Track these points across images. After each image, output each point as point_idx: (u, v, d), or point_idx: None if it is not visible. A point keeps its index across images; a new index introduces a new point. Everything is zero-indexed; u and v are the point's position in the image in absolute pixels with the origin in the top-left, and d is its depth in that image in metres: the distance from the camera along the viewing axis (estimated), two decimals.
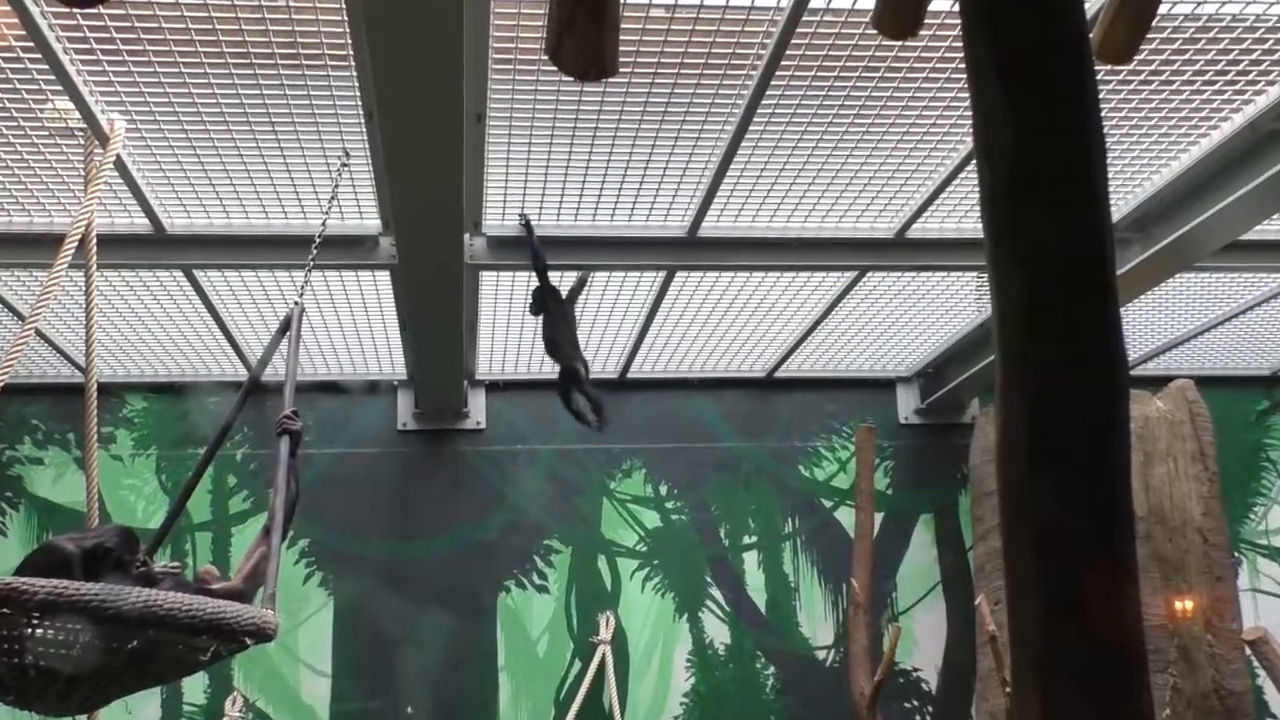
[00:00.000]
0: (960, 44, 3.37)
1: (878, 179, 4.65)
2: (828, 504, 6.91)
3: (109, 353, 6.07)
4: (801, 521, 6.90)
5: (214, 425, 4.17)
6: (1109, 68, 3.57)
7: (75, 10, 3.45)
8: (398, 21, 3.13)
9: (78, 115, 3.91)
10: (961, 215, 4.96)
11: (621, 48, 2.02)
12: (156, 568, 3.31)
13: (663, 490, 6.85)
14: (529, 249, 4.78)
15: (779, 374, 6.88)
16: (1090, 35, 1.74)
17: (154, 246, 4.81)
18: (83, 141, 4.06)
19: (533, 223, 4.75)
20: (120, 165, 4.18)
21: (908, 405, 7.04)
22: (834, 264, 5.29)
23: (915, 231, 5.01)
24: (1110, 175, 1.68)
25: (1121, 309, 1.70)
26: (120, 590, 2.81)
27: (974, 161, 4.26)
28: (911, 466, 7.01)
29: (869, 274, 5.49)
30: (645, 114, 4.10)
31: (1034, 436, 1.59)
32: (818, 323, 6.10)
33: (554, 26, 1.93)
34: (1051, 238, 1.59)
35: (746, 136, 4.20)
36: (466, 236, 4.70)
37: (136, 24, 3.56)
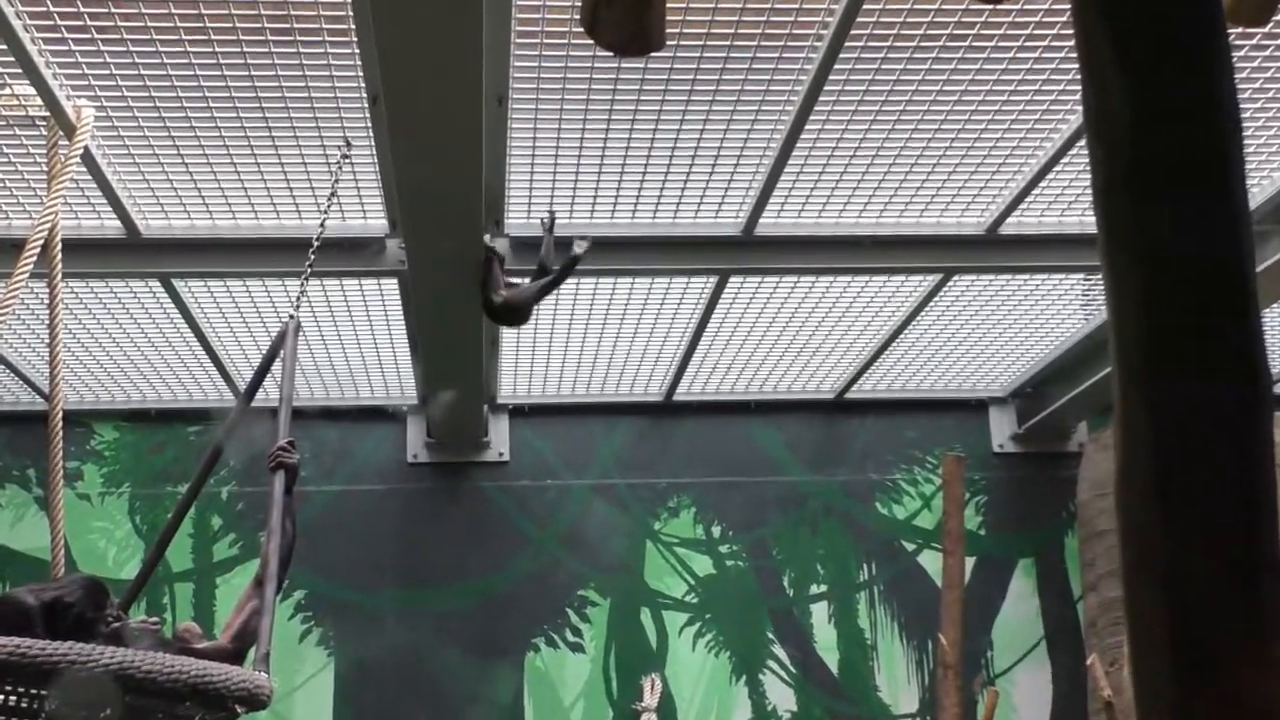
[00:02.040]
0: (1064, 6, 3.36)
1: (965, 166, 4.63)
2: (909, 547, 6.88)
3: (76, 376, 6.14)
4: (879, 568, 6.86)
5: (197, 459, 4.20)
6: (1241, 31, 3.54)
7: None
8: None
9: (39, 102, 3.96)
10: (1065, 207, 4.94)
11: (667, 17, 2.03)
12: (131, 624, 3.32)
13: (716, 531, 6.83)
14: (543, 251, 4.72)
15: (851, 395, 6.85)
16: None
17: (127, 252, 4.87)
18: (45, 132, 4.10)
19: (558, 221, 4.72)
20: (88, 159, 4.23)
21: (1003, 430, 7.00)
22: (914, 266, 5.28)
23: (1010, 227, 4.99)
24: (1246, 158, 1.67)
25: (1263, 314, 1.68)
26: (92, 649, 2.83)
27: (1081, 145, 4.28)
28: (1008, 503, 6.96)
29: (955, 277, 5.47)
30: (693, 94, 4.11)
31: (1159, 467, 1.57)
32: (895, 335, 6.08)
33: None
34: (1178, 233, 1.57)
35: (811, 119, 4.20)
36: (487, 237, 4.73)
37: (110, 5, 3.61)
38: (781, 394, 6.86)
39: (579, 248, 4.65)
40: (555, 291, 4.83)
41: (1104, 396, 6.10)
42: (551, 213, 4.71)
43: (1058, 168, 4.60)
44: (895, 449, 6.99)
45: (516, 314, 4.77)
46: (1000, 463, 6.99)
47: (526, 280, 4.77)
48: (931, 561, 6.68)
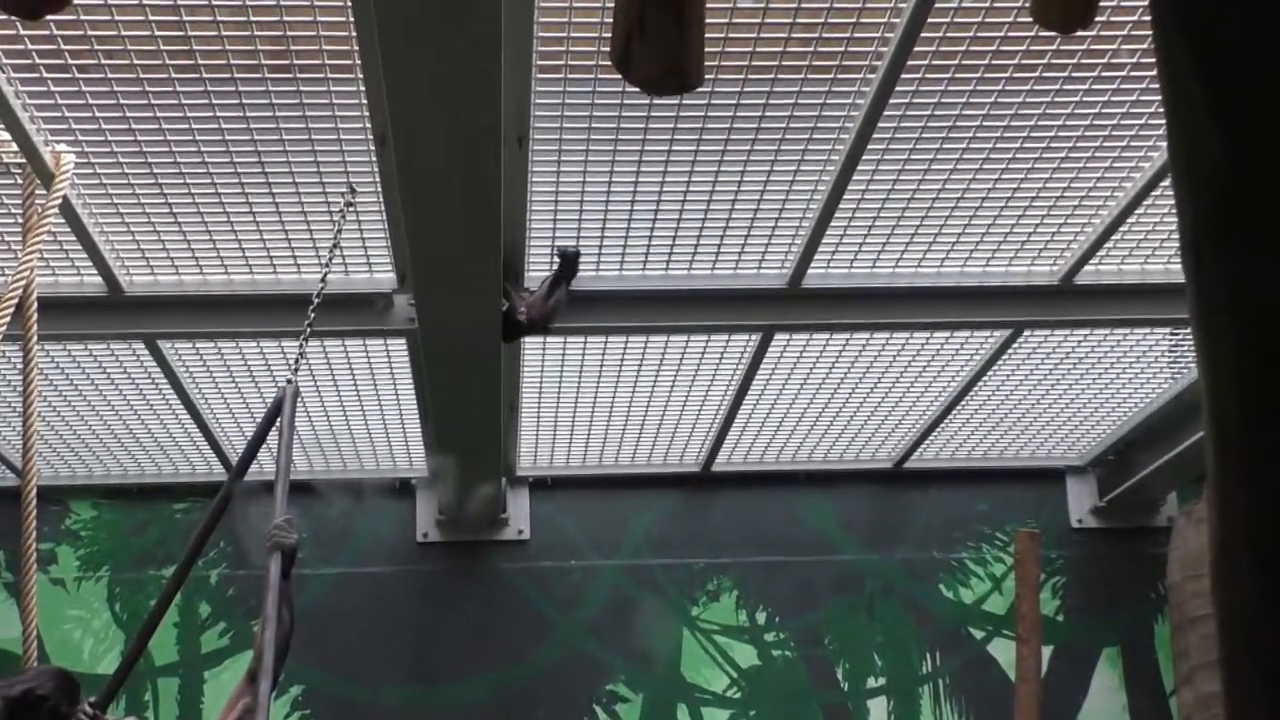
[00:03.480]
0: (1144, 32, 3.36)
1: (1036, 208, 4.63)
2: (979, 635, 6.83)
3: (50, 448, 6.17)
4: (944, 658, 6.81)
5: (184, 539, 4.21)
6: None
7: (16, 20, 3.55)
8: (417, 23, 3.18)
9: (14, 148, 4.00)
10: (1149, 253, 4.93)
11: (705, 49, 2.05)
12: None
13: (761, 618, 6.80)
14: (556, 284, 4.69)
15: (911, 464, 6.84)
16: None
17: (109, 311, 4.90)
18: (21, 180, 4.16)
19: (579, 270, 4.71)
20: (67, 209, 4.26)
21: (1082, 503, 6.97)
22: (980, 320, 5.27)
23: (1087, 275, 4.99)
24: None
25: None
26: None
27: (1167, 183, 4.28)
28: (1090, 584, 6.91)
29: (1027, 332, 5.46)
30: (733, 132, 4.13)
31: (1261, 544, 1.56)
32: (960, 397, 6.06)
33: (621, 26, 1.95)
34: (1277, 283, 1.57)
35: (864, 157, 4.21)
36: None
37: (90, 34, 3.65)
38: (833, 463, 6.84)
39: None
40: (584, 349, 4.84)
41: (1196, 464, 6.05)
42: (572, 249, 4.66)
43: (1140, 209, 4.58)
44: (961, 524, 6.96)
45: (543, 328, 4.79)
46: (1080, 539, 6.95)
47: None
48: (1003, 651, 6.63)
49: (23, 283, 4.06)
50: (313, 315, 4.08)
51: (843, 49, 3.80)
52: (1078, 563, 6.93)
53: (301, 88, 3.85)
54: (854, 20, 3.70)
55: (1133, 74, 3.95)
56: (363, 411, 6.00)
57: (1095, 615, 6.88)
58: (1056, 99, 4.08)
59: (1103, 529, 6.95)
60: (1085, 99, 4.08)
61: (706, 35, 2.13)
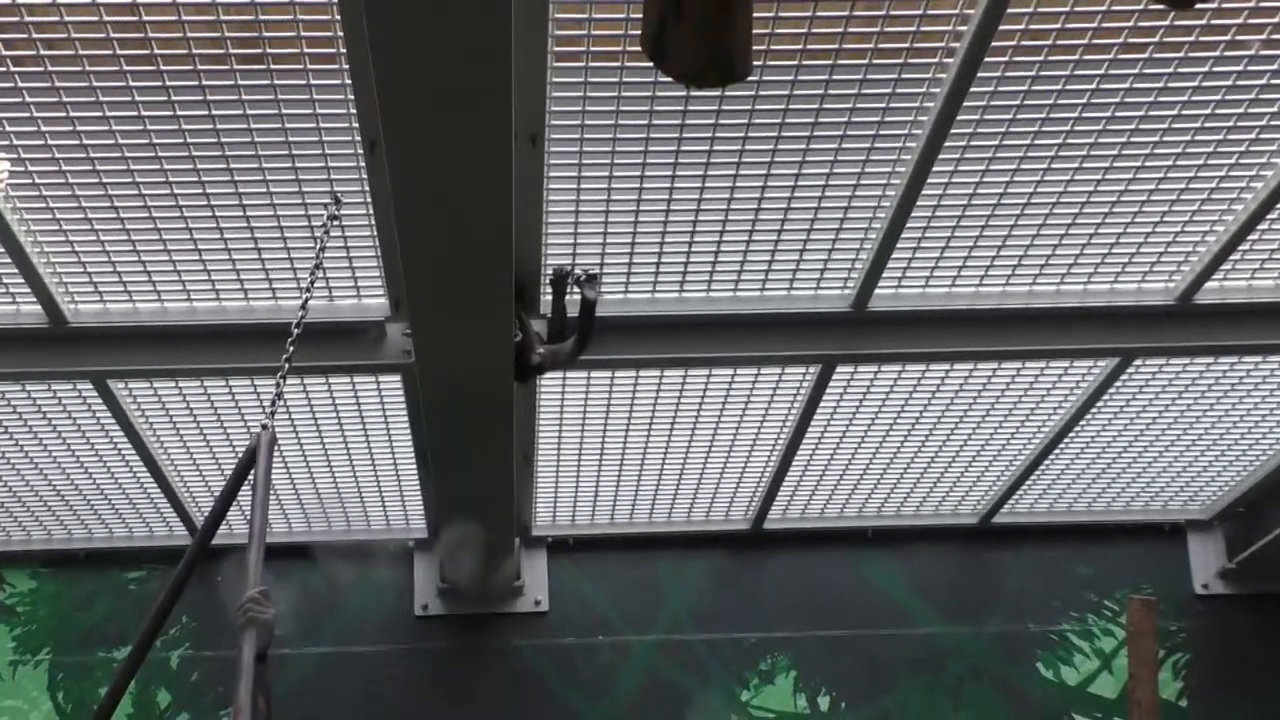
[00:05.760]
0: (1275, 3, 3.35)
1: (1146, 217, 4.63)
2: None
3: None
4: None
5: (139, 615, 4.22)
6: None
7: None
8: (412, 5, 3.18)
9: None
10: None
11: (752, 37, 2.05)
12: None
13: (823, 703, 6.79)
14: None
15: (1000, 519, 6.83)
16: None
17: (50, 346, 4.91)
18: None
19: (603, 292, 4.73)
20: (0, 226, 4.28)
21: (1207, 565, 6.95)
22: (1081, 347, 5.26)
23: (1208, 294, 4.98)
24: None
25: None
26: None
27: None
28: (1218, 661, 6.88)
29: (1138, 361, 5.46)
30: (784, 130, 4.14)
31: None
32: (1059, 439, 6.05)
33: (654, 8, 1.96)
34: None
35: (940, 159, 4.21)
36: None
37: (27, 19, 3.66)
38: (907, 519, 6.84)
39: (589, 290, 4.60)
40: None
41: None
42: (586, 272, 4.66)
43: (1272, 214, 4.58)
44: (1062, 591, 6.95)
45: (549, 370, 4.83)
46: (1205, 608, 6.93)
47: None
48: None
49: None
50: (291, 349, 4.09)
51: (913, 29, 3.80)
52: (1203, 636, 6.90)
53: (276, 82, 3.87)
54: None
55: (1262, 54, 3.95)
56: (351, 461, 6.01)
57: (1225, 698, 6.85)
58: (1169, 85, 4.07)
59: (1232, 595, 6.93)
60: (1204, 85, 4.07)
61: (754, 17, 2.14)
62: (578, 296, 4.62)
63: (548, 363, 4.70)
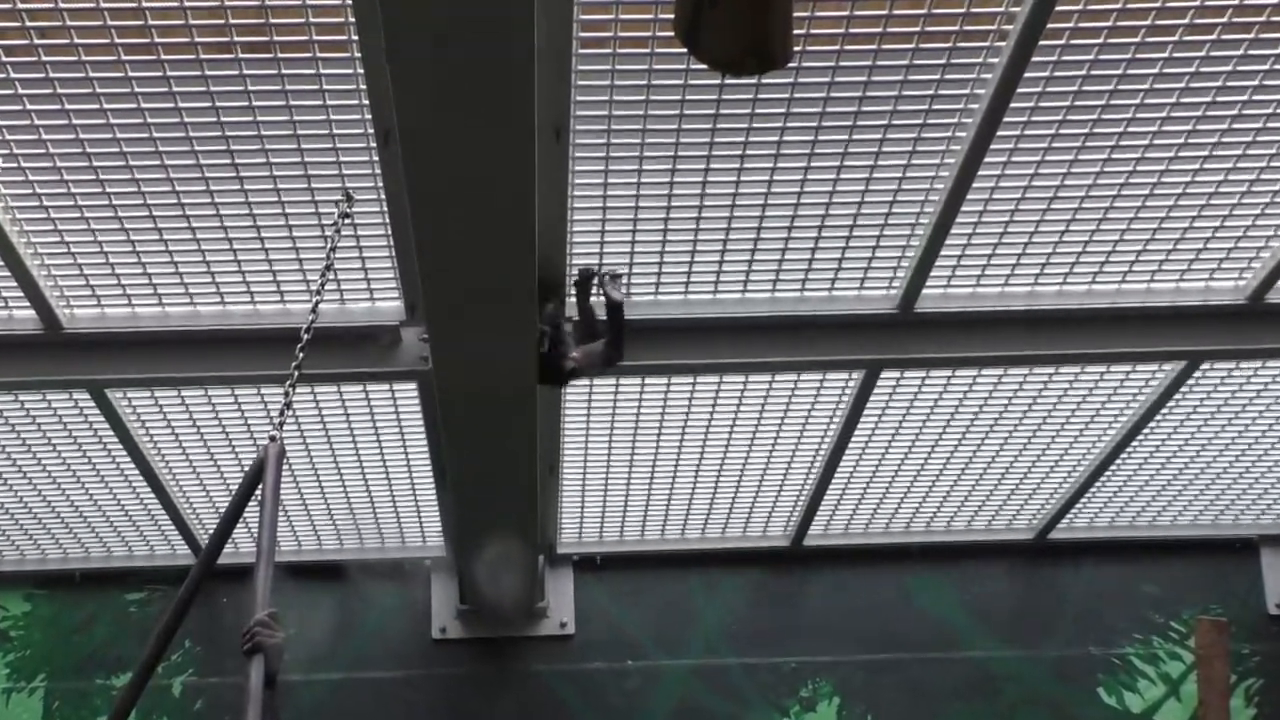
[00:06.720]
0: None
1: (1213, 211, 4.62)
2: None
3: None
4: None
5: (140, 639, 4.23)
6: None
7: None
8: None
9: None
10: None
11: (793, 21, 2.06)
12: None
13: None
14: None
15: (1057, 535, 6.83)
16: None
17: (45, 353, 4.93)
18: None
19: (631, 293, 4.75)
20: None
21: None
22: (1145, 350, 5.25)
23: None
24: None
25: None
26: None
27: None
28: None
29: (1206, 364, 5.45)
30: (825, 120, 4.15)
31: None
32: (1120, 449, 6.05)
33: None
34: None
35: (992, 149, 4.21)
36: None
37: (20, 7, 3.67)
38: (957, 534, 6.85)
39: (614, 290, 4.61)
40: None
41: None
42: (611, 273, 4.67)
43: None
44: (1125, 611, 6.94)
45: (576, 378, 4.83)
46: None
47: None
48: None
49: None
50: (301, 355, 4.09)
51: (963, 10, 3.81)
52: (1278, 659, 6.88)
53: (284, 72, 3.88)
54: None
55: None
56: (364, 475, 6.03)
57: None
58: (1238, 69, 4.06)
59: None
60: (1276, 67, 4.06)
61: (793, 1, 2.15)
62: (603, 299, 4.63)
63: (582, 367, 4.71)
